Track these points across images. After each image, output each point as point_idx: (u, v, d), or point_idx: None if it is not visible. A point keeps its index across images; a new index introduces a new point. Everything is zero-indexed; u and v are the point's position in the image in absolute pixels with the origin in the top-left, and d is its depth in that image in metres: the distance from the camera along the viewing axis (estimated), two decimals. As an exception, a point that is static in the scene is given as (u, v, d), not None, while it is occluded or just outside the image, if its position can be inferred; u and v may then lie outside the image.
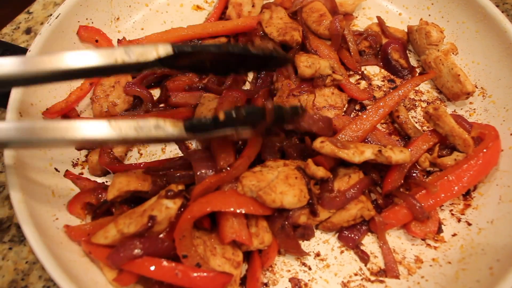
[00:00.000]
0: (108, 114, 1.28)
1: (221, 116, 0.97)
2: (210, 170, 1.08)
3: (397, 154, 1.13)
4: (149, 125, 0.93)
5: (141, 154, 1.27)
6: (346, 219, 1.13)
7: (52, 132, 0.90)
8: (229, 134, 1.00)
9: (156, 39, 1.37)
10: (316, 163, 1.13)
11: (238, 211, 1.02)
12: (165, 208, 1.01)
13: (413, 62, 1.47)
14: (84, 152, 1.26)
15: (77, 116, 1.28)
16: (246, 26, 1.38)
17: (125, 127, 0.91)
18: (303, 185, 1.09)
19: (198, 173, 1.08)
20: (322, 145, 1.11)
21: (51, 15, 1.29)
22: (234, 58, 1.03)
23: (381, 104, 1.26)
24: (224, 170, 1.06)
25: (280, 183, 1.06)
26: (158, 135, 0.94)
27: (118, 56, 0.92)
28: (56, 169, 1.19)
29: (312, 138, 1.16)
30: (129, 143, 0.99)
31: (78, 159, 1.24)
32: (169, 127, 0.94)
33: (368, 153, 1.12)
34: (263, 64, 1.12)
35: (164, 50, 0.94)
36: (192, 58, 0.99)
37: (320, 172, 1.10)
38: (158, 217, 1.00)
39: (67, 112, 1.25)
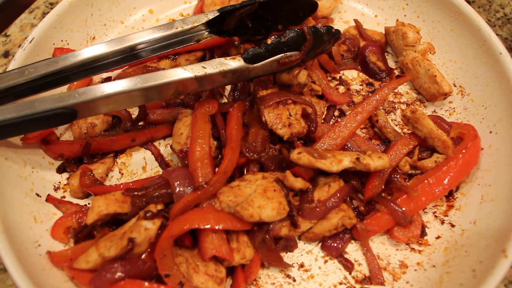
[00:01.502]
0: (88, 136, 1.29)
1: (269, 41, 1.15)
2: (188, 188, 1.08)
3: (376, 161, 1.13)
4: (215, 63, 1.13)
5: (122, 174, 1.27)
6: (328, 229, 1.13)
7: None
8: (283, 61, 1.18)
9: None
10: (295, 174, 1.13)
11: (216, 227, 1.02)
12: (144, 229, 1.02)
13: (392, 63, 1.47)
14: (65, 175, 1.26)
15: (56, 139, 1.28)
16: (221, 39, 1.37)
17: (197, 68, 1.10)
18: (282, 197, 1.09)
19: (176, 191, 1.08)
20: (300, 156, 1.11)
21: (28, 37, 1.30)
22: (268, 10, 1.27)
23: (359, 110, 1.26)
24: (201, 187, 1.06)
25: (258, 197, 1.06)
26: (223, 69, 1.12)
27: (178, 24, 1.20)
28: (38, 194, 1.19)
29: (289, 150, 1.16)
30: (200, 82, 1.13)
31: (59, 182, 1.25)
32: (230, 61, 1.13)
33: (346, 161, 1.12)
34: (294, 15, 1.32)
35: (212, 14, 1.22)
36: (234, 19, 1.24)
37: (298, 183, 1.10)
38: (138, 239, 1.01)
39: (46, 136, 1.26)
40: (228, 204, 1.04)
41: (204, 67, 1.12)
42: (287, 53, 1.19)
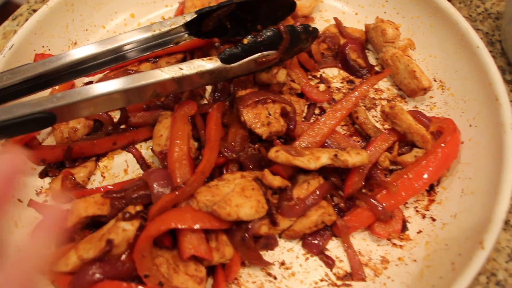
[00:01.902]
0: (70, 140, 1.29)
1: (245, 40, 1.16)
2: (167, 188, 1.09)
3: (354, 157, 1.13)
4: (192, 64, 1.14)
5: (104, 177, 1.28)
6: (308, 226, 1.13)
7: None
8: (260, 61, 1.19)
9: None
10: (273, 173, 1.13)
11: (194, 227, 1.02)
12: (122, 230, 1.02)
13: (373, 60, 1.48)
14: (48, 180, 1.27)
15: (38, 144, 1.29)
16: (201, 41, 1.38)
17: (174, 70, 1.12)
18: (260, 195, 1.09)
19: (154, 192, 1.08)
20: (277, 154, 1.11)
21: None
22: (246, 10, 1.27)
23: (338, 107, 1.26)
24: (179, 188, 1.06)
25: (236, 196, 1.06)
26: (200, 69, 1.14)
27: (155, 27, 1.21)
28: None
29: (268, 149, 1.17)
30: (178, 83, 1.14)
31: (42, 187, 1.25)
32: (207, 62, 1.15)
33: (324, 158, 1.12)
34: (272, 15, 1.33)
35: (189, 16, 1.23)
36: (212, 20, 1.25)
37: (277, 181, 1.11)
38: (116, 240, 1.01)
39: (28, 141, 1.26)
40: (206, 204, 1.04)
41: (181, 68, 1.13)
42: (264, 53, 1.20)
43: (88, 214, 1.08)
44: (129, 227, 1.03)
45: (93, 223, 1.13)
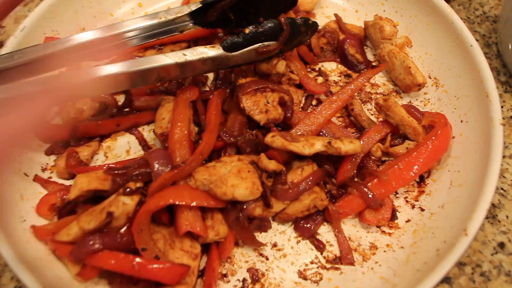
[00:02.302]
0: (75, 120, 1.34)
1: (247, 30, 1.21)
2: (166, 167, 1.13)
3: (347, 145, 1.17)
4: (195, 51, 1.19)
5: (107, 157, 1.33)
6: (300, 210, 1.18)
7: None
8: (260, 50, 1.24)
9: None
10: (269, 157, 1.18)
11: (191, 204, 1.07)
12: (122, 204, 1.07)
13: (370, 56, 1.52)
14: (53, 157, 1.32)
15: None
16: (205, 31, 1.43)
17: (178, 55, 1.17)
18: (256, 178, 1.14)
19: (154, 170, 1.13)
20: (273, 139, 1.16)
21: (23, 28, 1.36)
22: (249, 3, 1.31)
23: (334, 98, 1.31)
24: (178, 167, 1.11)
25: (232, 177, 1.11)
26: (203, 56, 1.18)
27: (161, 15, 1.25)
28: (26, 174, 1.25)
29: (265, 135, 1.21)
30: (181, 68, 1.18)
31: (47, 164, 1.30)
32: (210, 49, 1.19)
33: (318, 145, 1.17)
34: (274, 8, 1.34)
35: (194, 5, 1.28)
36: (217, 10, 1.30)
37: (272, 165, 1.15)
38: (116, 213, 1.06)
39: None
40: (203, 182, 1.09)
41: (185, 54, 1.18)
42: (265, 43, 1.25)
43: (90, 188, 1.13)
44: (129, 202, 1.08)
45: (95, 198, 1.17)
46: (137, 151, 1.34)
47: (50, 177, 1.28)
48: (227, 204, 1.12)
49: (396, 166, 1.21)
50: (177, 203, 1.06)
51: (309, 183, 1.18)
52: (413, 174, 1.21)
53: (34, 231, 1.12)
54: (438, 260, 1.03)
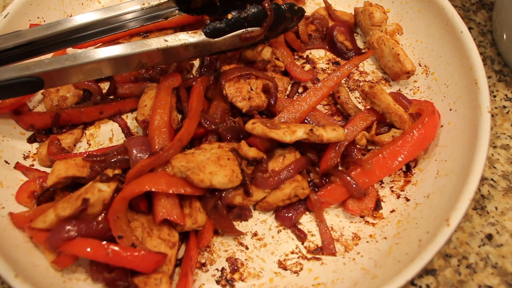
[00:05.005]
0: (59, 108, 1.34)
1: (230, 15, 1.18)
2: (145, 154, 1.12)
3: (330, 133, 1.15)
4: (177, 37, 1.17)
5: (90, 145, 1.32)
6: (281, 198, 1.15)
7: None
8: (244, 36, 1.21)
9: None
10: (251, 145, 1.16)
11: (168, 191, 1.05)
12: (98, 190, 1.05)
13: (361, 44, 1.49)
14: (36, 145, 1.31)
15: (28, 111, 1.33)
16: (191, 18, 1.41)
17: (159, 41, 1.15)
18: (235, 165, 1.12)
19: (133, 157, 1.12)
20: (254, 126, 1.14)
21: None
22: None
23: (319, 85, 1.28)
24: (156, 153, 1.10)
25: (211, 164, 1.09)
26: (184, 42, 1.17)
27: (145, 1, 1.24)
28: (6, 162, 1.24)
29: (246, 121, 1.19)
30: (163, 54, 1.17)
31: (29, 151, 1.30)
32: (192, 35, 1.18)
33: (300, 132, 1.14)
34: None
35: None
36: None
37: (252, 152, 1.13)
38: (91, 200, 1.05)
39: (18, 106, 1.31)
40: (180, 169, 1.07)
41: (166, 40, 1.17)
42: (248, 29, 1.22)
43: (68, 174, 1.12)
44: (105, 188, 1.06)
45: (75, 186, 1.16)
46: (120, 139, 1.33)
47: (33, 165, 1.28)
48: (205, 192, 1.11)
49: (380, 155, 1.18)
50: (153, 190, 1.04)
51: (291, 171, 1.16)
52: (397, 163, 1.18)
53: (12, 218, 1.12)
54: (420, 251, 1.01)
